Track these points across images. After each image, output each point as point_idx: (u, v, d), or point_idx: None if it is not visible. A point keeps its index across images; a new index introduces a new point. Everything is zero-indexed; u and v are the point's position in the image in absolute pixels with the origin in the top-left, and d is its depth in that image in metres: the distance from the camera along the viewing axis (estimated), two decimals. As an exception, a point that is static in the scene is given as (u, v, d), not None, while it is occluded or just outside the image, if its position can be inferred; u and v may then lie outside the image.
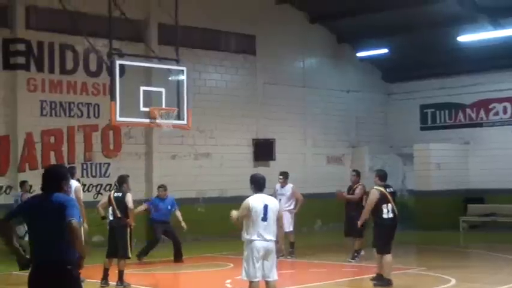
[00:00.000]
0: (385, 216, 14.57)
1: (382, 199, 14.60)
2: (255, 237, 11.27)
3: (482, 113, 29.46)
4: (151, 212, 19.58)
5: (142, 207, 19.64)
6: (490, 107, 29.24)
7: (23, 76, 21.87)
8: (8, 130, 21.64)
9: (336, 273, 16.76)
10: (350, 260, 18.57)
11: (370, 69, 31.02)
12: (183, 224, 19.15)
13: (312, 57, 29.24)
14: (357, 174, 19.50)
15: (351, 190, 19.16)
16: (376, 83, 31.34)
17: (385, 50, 28.93)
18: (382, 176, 15.09)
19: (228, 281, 15.46)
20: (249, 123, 26.77)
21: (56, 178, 7.55)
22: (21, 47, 21.89)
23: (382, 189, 14.72)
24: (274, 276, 11.51)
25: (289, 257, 19.40)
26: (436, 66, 29.36)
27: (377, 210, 14.66)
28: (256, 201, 11.35)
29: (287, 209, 19.41)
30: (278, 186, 19.90)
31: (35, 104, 22.04)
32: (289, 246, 19.71)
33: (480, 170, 28.84)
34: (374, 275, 14.99)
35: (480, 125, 29.48)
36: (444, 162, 28.72)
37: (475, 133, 29.40)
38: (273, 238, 11.38)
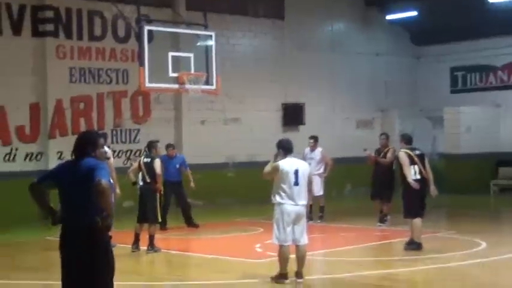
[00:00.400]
0: (412, 177, 14.64)
1: (409, 161, 14.72)
2: (286, 201, 11.38)
3: (513, 76, 29.30)
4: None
5: None
6: (522, 69, 29.10)
7: (52, 43, 21.96)
8: (38, 97, 21.78)
9: (366, 237, 16.78)
10: (380, 224, 18.62)
11: (399, 32, 30.81)
12: (193, 184, 19.00)
13: (340, 22, 29.08)
14: (386, 137, 19.49)
15: (381, 153, 19.11)
16: (405, 46, 31.15)
17: (414, 13, 28.65)
18: (407, 139, 15.34)
19: (258, 245, 15.55)
20: (278, 88, 26.73)
21: (84, 143, 7.61)
22: (49, 14, 21.96)
23: (408, 151, 14.85)
24: (304, 240, 11.63)
25: (319, 221, 19.46)
26: (466, 28, 29.03)
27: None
28: (287, 164, 11.45)
29: (317, 172, 19.44)
30: (307, 150, 19.89)
31: (64, 71, 22.15)
32: (319, 211, 19.77)
33: (512, 133, 28.74)
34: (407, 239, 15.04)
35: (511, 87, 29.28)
36: (475, 125, 28.55)
37: (507, 96, 29.16)
38: (305, 202, 11.49)
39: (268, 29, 26.74)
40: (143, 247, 15.28)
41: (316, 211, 19.74)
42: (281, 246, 11.55)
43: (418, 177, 14.74)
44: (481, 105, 29.07)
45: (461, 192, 26.49)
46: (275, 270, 11.78)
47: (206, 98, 22.58)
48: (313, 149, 19.84)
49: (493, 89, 29.66)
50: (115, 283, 7.61)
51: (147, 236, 15.19)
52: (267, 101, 26.39)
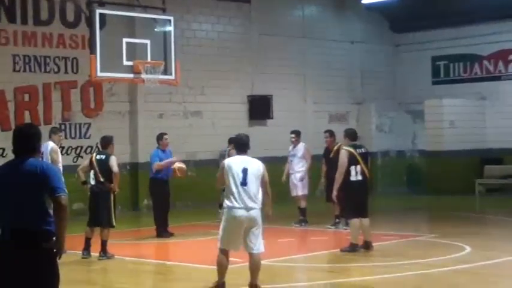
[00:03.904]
0: (352, 178, 15.01)
1: (351, 160, 15.03)
2: (234, 203, 11.25)
3: (500, 65, 29.52)
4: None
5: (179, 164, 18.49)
6: (510, 58, 29.32)
7: (-8, 28, 21.92)
8: (-23, 88, 21.73)
9: (338, 241, 16.77)
10: (329, 226, 18.91)
11: (376, 18, 30.98)
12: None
13: (312, 5, 29.19)
14: (331, 134, 19.60)
15: (330, 152, 19.10)
16: (383, 33, 31.36)
17: (393, -4, 28.83)
18: (351, 135, 15.63)
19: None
20: (244, 79, 26.82)
21: (30, 139, 7.57)
22: (-10, -5, 21.89)
23: (351, 149, 15.15)
24: (258, 248, 11.46)
25: (297, 225, 19.48)
26: (449, 14, 29.22)
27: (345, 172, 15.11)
28: (233, 162, 11.42)
29: (299, 170, 19.64)
30: (291, 146, 20.07)
31: (6, 59, 22.07)
32: (299, 213, 19.83)
33: (498, 128, 28.95)
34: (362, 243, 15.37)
35: (498, 78, 29.54)
36: (459, 120, 28.82)
37: (493, 87, 29.46)
38: (257, 205, 11.34)
39: (233, 13, 26.79)
40: (95, 253, 15.27)
41: (297, 214, 19.80)
42: (220, 250, 11.49)
43: (360, 178, 15.08)
44: (465, 98, 29.32)
45: (443, 193, 26.72)
46: (242, 277, 11.82)
47: (164, 89, 22.63)
48: (295, 145, 19.95)
49: (478, 80, 29.91)
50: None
51: (99, 241, 15.19)
52: (231, 93, 26.46)
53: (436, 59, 30.96)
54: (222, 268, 11.51)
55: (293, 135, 20.16)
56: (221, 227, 11.50)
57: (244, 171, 11.27)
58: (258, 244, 11.41)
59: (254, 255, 11.44)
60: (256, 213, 11.31)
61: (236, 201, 11.22)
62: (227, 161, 11.51)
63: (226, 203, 11.34)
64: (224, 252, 11.47)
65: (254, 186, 11.28)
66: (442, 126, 28.67)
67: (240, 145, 11.69)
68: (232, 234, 11.36)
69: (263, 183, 11.42)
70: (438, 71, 31.03)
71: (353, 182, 15.06)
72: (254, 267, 11.51)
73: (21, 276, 7.30)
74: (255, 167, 11.39)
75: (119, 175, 15.60)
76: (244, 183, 11.24)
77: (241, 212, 11.21)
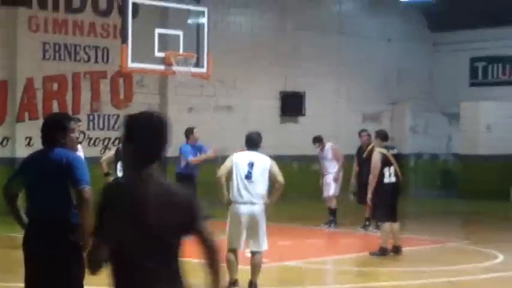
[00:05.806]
0: (386, 180, 15.07)
1: (384, 161, 15.11)
2: (237, 198, 11.31)
3: (541, 68, 29.37)
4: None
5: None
6: (551, 61, 29.17)
7: (23, 14, 21.93)
8: (6, 75, 21.76)
9: (367, 244, 16.75)
10: (360, 228, 18.91)
11: (414, 15, 30.84)
12: None
13: (349, 0, 29.09)
14: (368, 133, 19.56)
15: (363, 153, 19.09)
16: (421, 31, 31.21)
17: (432, -6, 28.71)
18: (383, 136, 15.77)
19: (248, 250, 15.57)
20: (277, 74, 26.78)
21: (52, 129, 7.65)
22: (22, -20, 21.98)
23: (383, 151, 15.24)
24: (260, 246, 11.49)
25: (326, 226, 19.52)
26: (490, 13, 29.04)
27: (378, 174, 15.14)
28: (239, 156, 11.48)
29: (333, 171, 19.64)
30: (318, 150, 20.11)
31: (36, 46, 22.11)
32: (329, 214, 19.78)
33: (537, 133, 28.80)
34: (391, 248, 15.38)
35: (538, 81, 29.36)
36: (496, 123, 28.65)
37: (532, 91, 29.28)
38: (261, 201, 11.36)
39: (267, 6, 26.76)
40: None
41: (326, 214, 19.79)
42: (228, 250, 11.44)
43: (393, 180, 15.16)
44: (504, 101, 29.12)
45: (478, 198, 26.58)
46: (266, 277, 11.81)
47: (195, 82, 22.60)
48: (322, 149, 19.92)
49: (517, 83, 29.73)
50: (86, 287, 7.66)
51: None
52: (263, 88, 26.42)
53: (475, 60, 30.76)
54: (230, 265, 11.44)
55: (316, 144, 20.06)
56: (227, 225, 11.54)
57: (250, 165, 11.32)
58: (261, 242, 11.45)
59: (256, 254, 11.49)
60: (259, 209, 11.32)
61: (239, 195, 11.27)
62: (234, 156, 11.54)
63: (231, 198, 11.38)
64: (232, 250, 11.48)
65: (260, 182, 11.30)
66: (478, 130, 28.54)
67: (250, 142, 11.71)
68: (236, 231, 11.37)
69: (272, 177, 11.41)
70: (476, 72, 30.85)
71: (386, 184, 15.14)
72: (256, 266, 11.57)
73: (46, 267, 7.37)
74: (262, 161, 11.43)
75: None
76: (249, 176, 11.28)
77: (244, 208, 11.26)
